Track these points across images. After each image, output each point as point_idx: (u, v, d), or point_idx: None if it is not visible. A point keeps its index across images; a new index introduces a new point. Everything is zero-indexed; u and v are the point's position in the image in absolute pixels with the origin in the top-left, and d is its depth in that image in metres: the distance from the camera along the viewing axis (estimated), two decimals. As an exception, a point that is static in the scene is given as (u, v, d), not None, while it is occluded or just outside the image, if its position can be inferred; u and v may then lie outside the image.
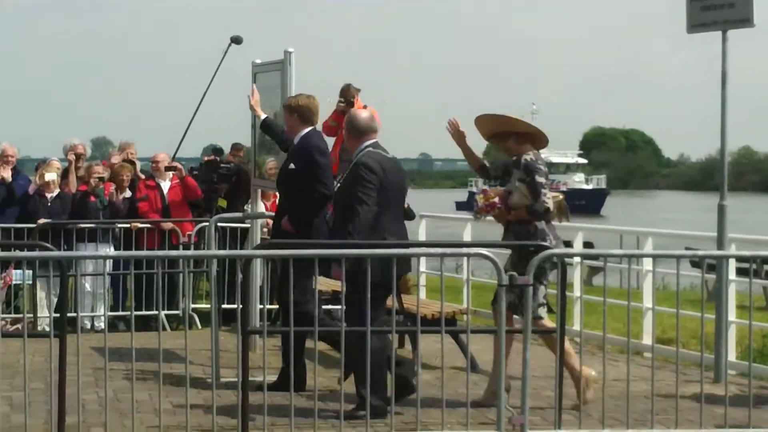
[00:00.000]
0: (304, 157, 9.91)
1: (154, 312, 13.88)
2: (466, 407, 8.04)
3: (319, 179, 9.81)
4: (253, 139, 11.54)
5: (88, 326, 13.84)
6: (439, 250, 8.78)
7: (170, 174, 15.05)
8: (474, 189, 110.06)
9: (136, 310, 12.49)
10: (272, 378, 9.47)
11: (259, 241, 11.23)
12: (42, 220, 14.05)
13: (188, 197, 15.15)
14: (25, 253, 9.01)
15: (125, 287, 14.02)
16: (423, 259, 9.76)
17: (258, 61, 11.33)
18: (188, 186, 15.07)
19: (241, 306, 8.35)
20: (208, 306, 14.16)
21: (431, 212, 17.49)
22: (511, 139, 9.58)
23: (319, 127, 10.24)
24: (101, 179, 14.91)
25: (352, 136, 9.28)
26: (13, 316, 13.86)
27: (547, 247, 8.76)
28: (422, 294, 12.09)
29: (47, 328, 13.11)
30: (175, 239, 14.49)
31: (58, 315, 8.25)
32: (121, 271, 13.77)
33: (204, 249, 12.98)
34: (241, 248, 13.75)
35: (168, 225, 14.61)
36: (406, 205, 15.00)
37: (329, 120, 16.21)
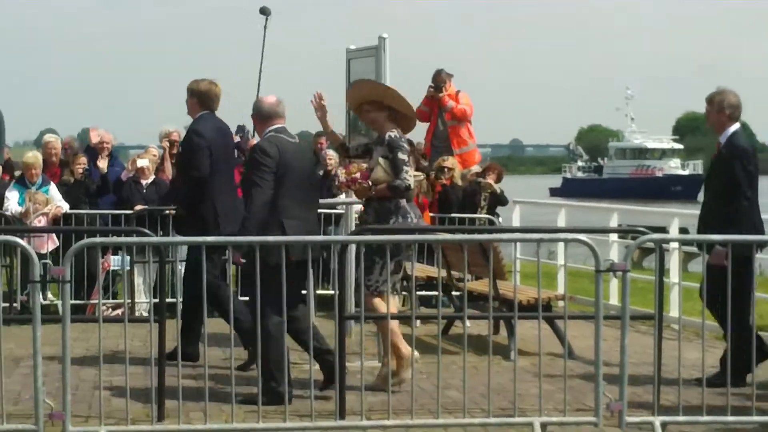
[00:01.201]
0: (186, 139, 10.33)
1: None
2: (564, 393, 8.00)
3: (191, 161, 10.08)
4: (347, 126, 11.54)
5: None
6: (536, 236, 8.72)
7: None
8: (568, 175, 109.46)
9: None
10: (371, 363, 9.50)
11: (353, 227, 11.24)
12: (139, 207, 14.20)
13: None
14: (123, 239, 9.09)
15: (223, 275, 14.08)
16: (518, 245, 9.67)
17: (352, 47, 11.33)
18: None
19: (337, 291, 8.39)
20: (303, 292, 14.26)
21: (524, 198, 17.42)
22: (384, 112, 9.52)
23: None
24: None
25: (258, 121, 9.29)
26: (112, 301, 14.05)
27: (643, 232, 8.70)
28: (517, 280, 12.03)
29: (145, 314, 13.36)
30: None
31: (156, 300, 8.33)
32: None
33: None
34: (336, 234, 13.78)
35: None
36: (498, 191, 15.03)
37: (421, 105, 16.22)
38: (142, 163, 14.87)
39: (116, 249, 13.29)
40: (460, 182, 15.16)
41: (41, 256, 7.70)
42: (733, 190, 9.33)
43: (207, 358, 8.17)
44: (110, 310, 13.75)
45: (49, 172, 14.89)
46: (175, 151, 15.47)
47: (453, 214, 14.64)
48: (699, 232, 9.59)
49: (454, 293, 12.15)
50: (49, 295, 14.06)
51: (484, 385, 8.34)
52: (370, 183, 9.36)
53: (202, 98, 10.34)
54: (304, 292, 9.15)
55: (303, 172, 9.06)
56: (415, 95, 16.23)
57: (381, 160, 9.42)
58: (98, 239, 8.00)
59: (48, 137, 15.47)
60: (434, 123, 16.19)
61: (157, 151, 15.59)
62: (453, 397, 8.65)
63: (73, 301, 10.89)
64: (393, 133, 9.46)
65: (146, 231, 8.87)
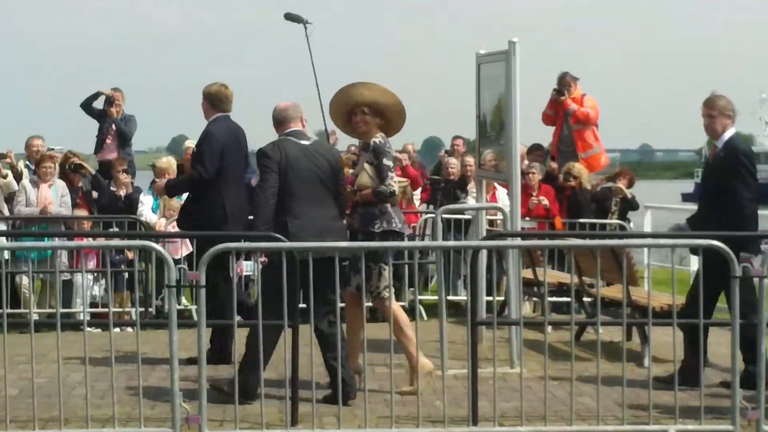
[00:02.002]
0: (199, 140, 10.69)
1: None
2: (700, 401, 7.89)
3: (199, 161, 10.48)
4: (477, 131, 11.53)
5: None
6: (670, 241, 8.61)
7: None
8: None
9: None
10: (503, 369, 9.47)
11: (484, 233, 11.22)
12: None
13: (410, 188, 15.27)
14: (257, 244, 9.18)
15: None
16: (649, 251, 9.56)
17: (482, 51, 11.31)
18: (409, 177, 15.18)
19: (470, 297, 8.37)
20: (432, 297, 14.27)
21: (655, 203, 17.21)
22: (378, 119, 9.54)
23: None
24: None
25: (275, 126, 9.55)
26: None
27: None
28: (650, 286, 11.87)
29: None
30: (400, 231, 14.59)
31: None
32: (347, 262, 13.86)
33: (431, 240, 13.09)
34: (466, 239, 13.76)
35: (393, 217, 14.71)
36: (630, 196, 14.86)
37: (546, 109, 16.15)
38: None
39: (249, 254, 13.44)
40: (588, 186, 15.04)
41: (176, 261, 7.81)
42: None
43: (342, 365, 8.20)
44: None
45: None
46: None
47: (584, 220, 14.53)
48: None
49: (585, 299, 12.04)
50: (183, 300, 14.27)
51: (617, 392, 8.26)
52: (353, 188, 9.49)
53: (211, 100, 10.71)
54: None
55: (311, 172, 9.26)
56: (542, 99, 16.20)
57: (366, 165, 9.50)
58: (232, 244, 8.07)
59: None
60: (560, 127, 16.10)
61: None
62: (586, 403, 8.58)
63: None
64: (378, 138, 9.52)
65: (278, 236, 8.94)
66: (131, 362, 8.30)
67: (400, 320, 9.25)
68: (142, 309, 12.30)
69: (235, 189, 10.50)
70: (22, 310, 13.07)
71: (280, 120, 9.50)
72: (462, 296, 14.14)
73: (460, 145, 17.97)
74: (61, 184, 14.40)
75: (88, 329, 8.50)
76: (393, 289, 9.25)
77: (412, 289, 14.23)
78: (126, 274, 13.92)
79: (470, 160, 14.95)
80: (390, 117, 9.61)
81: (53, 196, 14.16)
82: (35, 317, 8.92)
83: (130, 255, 13.42)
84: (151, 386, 9.11)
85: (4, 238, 11.71)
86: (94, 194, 14.83)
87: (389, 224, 9.38)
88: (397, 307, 9.46)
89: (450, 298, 13.44)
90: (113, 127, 15.95)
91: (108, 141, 16.00)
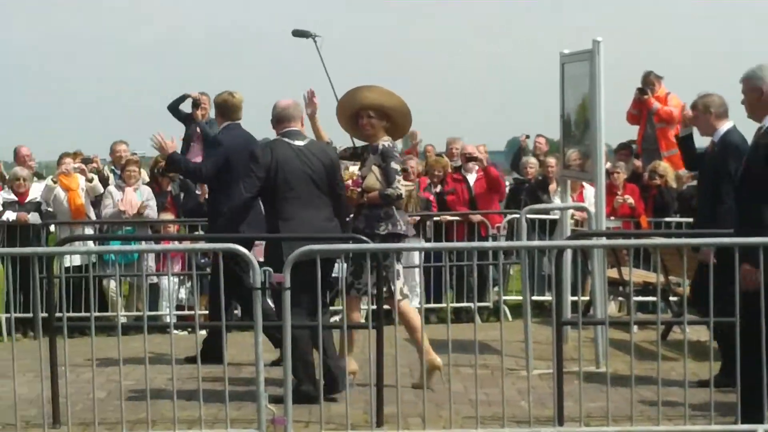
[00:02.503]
0: (206, 146, 11.37)
1: (466, 304, 14.05)
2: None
3: (204, 161, 11.10)
4: (561, 131, 11.46)
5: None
6: (758, 240, 8.43)
7: (476, 167, 15.17)
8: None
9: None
10: (589, 369, 9.40)
11: (569, 232, 11.16)
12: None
13: (492, 189, 15.24)
14: (341, 246, 9.19)
15: (437, 280, 14.10)
16: (737, 250, 9.35)
17: (566, 51, 11.24)
18: (491, 177, 15.14)
19: (555, 297, 8.32)
20: (517, 298, 14.22)
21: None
22: (384, 122, 9.63)
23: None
24: (404, 170, 15.18)
25: (273, 125, 9.59)
26: (331, 308, 14.23)
27: None
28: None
29: (361, 320, 13.49)
30: (483, 231, 14.57)
31: (374, 307, 8.41)
32: (432, 263, 13.87)
33: (515, 240, 13.04)
34: (551, 239, 13.70)
35: (477, 217, 14.70)
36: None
37: (630, 108, 16.04)
38: (354, 170, 15.08)
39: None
40: (674, 185, 14.90)
41: (260, 264, 7.84)
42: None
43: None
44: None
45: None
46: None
47: (669, 219, 14.40)
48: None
49: (671, 298, 11.93)
50: (269, 302, 14.34)
51: (705, 391, 8.17)
52: (359, 190, 9.61)
53: (220, 109, 11.07)
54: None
55: (303, 173, 9.28)
56: (627, 98, 16.09)
57: (375, 168, 9.60)
58: (316, 246, 8.09)
59: None
60: (644, 126, 15.99)
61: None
62: (673, 403, 8.49)
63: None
64: (386, 142, 9.64)
65: (363, 238, 8.96)
66: (217, 364, 8.35)
67: (413, 322, 9.34)
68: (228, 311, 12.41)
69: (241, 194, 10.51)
70: (109, 314, 13.23)
71: (279, 118, 9.54)
72: (547, 296, 14.08)
73: (542, 143, 17.93)
74: (146, 189, 14.56)
75: (175, 332, 8.56)
76: (404, 291, 9.57)
77: (496, 288, 14.23)
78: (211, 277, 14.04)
79: (552, 160, 14.88)
80: (396, 119, 9.70)
81: (138, 200, 14.31)
82: (122, 320, 9.03)
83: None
84: (237, 388, 9.16)
85: (91, 242, 11.84)
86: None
87: (394, 227, 9.54)
88: (410, 309, 9.65)
89: (534, 298, 13.39)
90: (198, 130, 16.08)
91: (193, 144, 16.13)
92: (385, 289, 9.17)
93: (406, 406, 8.02)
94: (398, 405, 7.69)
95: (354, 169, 10.28)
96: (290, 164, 9.26)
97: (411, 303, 14.44)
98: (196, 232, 13.46)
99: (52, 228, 14.45)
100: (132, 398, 8.29)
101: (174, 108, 16.35)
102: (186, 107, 16.23)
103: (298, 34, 18.40)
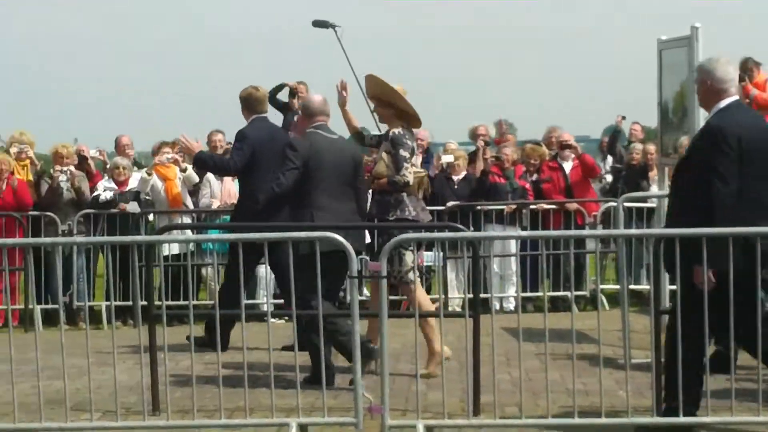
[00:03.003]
0: (235, 139, 11.47)
1: (563, 293, 13.97)
2: None
3: (231, 155, 11.49)
4: (659, 118, 11.33)
5: (497, 307, 14.02)
6: None
7: (572, 155, 15.08)
8: None
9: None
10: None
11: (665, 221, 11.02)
12: (451, 203, 14.37)
13: (587, 176, 15.14)
14: (437, 234, 9.21)
15: (534, 268, 14.03)
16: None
17: (663, 37, 11.11)
18: (587, 165, 15.04)
19: (653, 287, 8.23)
20: (614, 287, 14.11)
21: None
22: (390, 109, 9.88)
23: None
24: (497, 158, 15.14)
25: (304, 117, 9.97)
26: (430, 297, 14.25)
27: None
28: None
29: (457, 308, 13.49)
30: (580, 219, 14.47)
31: (471, 296, 8.39)
32: (528, 252, 13.80)
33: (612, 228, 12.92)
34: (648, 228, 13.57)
35: (573, 205, 14.61)
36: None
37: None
38: (446, 159, 15.07)
39: (429, 245, 13.48)
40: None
41: (357, 252, 7.86)
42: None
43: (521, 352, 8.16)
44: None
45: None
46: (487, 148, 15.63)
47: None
48: None
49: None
50: (365, 291, 14.38)
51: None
52: (368, 175, 9.97)
53: (245, 104, 11.46)
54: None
55: (337, 166, 9.60)
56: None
57: (384, 155, 9.80)
58: (412, 235, 8.09)
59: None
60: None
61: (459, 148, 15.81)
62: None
63: (389, 297, 11.12)
64: (398, 130, 9.82)
65: (459, 226, 8.96)
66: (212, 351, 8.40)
67: (424, 306, 9.43)
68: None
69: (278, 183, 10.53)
70: (207, 302, 13.36)
71: (312, 112, 9.86)
72: (644, 285, 13.95)
73: (638, 131, 17.80)
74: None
75: (272, 320, 8.61)
76: (417, 275, 9.79)
77: (593, 278, 14.14)
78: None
79: (651, 147, 14.74)
80: (399, 106, 9.85)
81: (237, 190, 14.41)
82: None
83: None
84: (336, 376, 9.21)
85: (189, 231, 11.97)
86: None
87: (402, 213, 9.72)
88: (422, 294, 9.81)
89: (632, 287, 13.27)
90: (296, 119, 16.14)
91: (291, 133, 16.19)
92: (395, 275, 9.50)
93: (502, 395, 7.99)
94: (495, 394, 7.66)
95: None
96: (326, 156, 9.57)
97: (507, 291, 14.53)
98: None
99: (150, 217, 14.62)
100: (230, 386, 8.35)
101: (272, 97, 16.42)
102: (284, 96, 16.30)
103: (318, 24, 18.37)
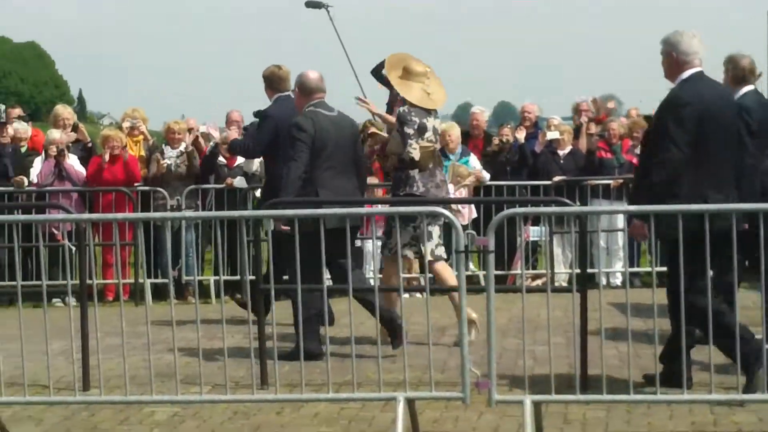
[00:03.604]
0: (259, 120, 11.63)
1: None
2: None
3: (245, 138, 12.16)
4: (767, 85, 11.15)
5: (604, 282, 13.92)
6: None
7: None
8: None
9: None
10: None
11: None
12: (557, 177, 14.29)
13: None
14: (544, 209, 9.15)
15: (638, 243, 13.88)
16: None
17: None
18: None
19: (763, 262, 8.08)
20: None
21: None
22: (394, 89, 10.51)
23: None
24: (601, 136, 15.02)
25: (302, 95, 10.05)
26: (532, 272, 14.21)
27: None
28: None
29: (564, 284, 13.42)
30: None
31: (578, 271, 8.34)
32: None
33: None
34: None
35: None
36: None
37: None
38: (552, 135, 14.97)
39: (536, 219, 13.43)
40: None
41: (463, 227, 7.83)
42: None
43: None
44: (530, 280, 13.90)
45: (471, 143, 15.22)
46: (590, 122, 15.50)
47: None
48: None
49: None
50: (471, 266, 14.38)
51: None
52: (380, 154, 10.67)
53: (268, 82, 11.53)
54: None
55: (339, 144, 9.81)
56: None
57: (395, 133, 10.21)
58: (519, 209, 8.05)
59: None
60: None
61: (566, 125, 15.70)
62: None
63: (496, 272, 11.09)
64: (404, 108, 10.24)
65: (566, 201, 8.89)
66: (420, 327, 8.41)
67: (449, 282, 9.84)
68: (431, 275, 12.45)
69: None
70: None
71: (310, 90, 10.01)
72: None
73: None
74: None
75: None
76: (436, 252, 10.15)
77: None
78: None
79: None
80: (394, 83, 10.61)
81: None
82: (328, 283, 9.17)
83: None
84: (440, 351, 9.23)
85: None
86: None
87: (410, 188, 10.07)
88: (445, 269, 10.19)
89: (743, 262, 13.06)
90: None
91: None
92: (415, 250, 9.96)
93: (610, 371, 7.92)
94: (603, 369, 7.60)
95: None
96: (329, 134, 9.78)
97: (613, 266, 14.39)
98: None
99: (257, 192, 14.73)
100: (338, 360, 8.40)
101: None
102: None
103: (311, 5, 18.23)
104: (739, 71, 9.82)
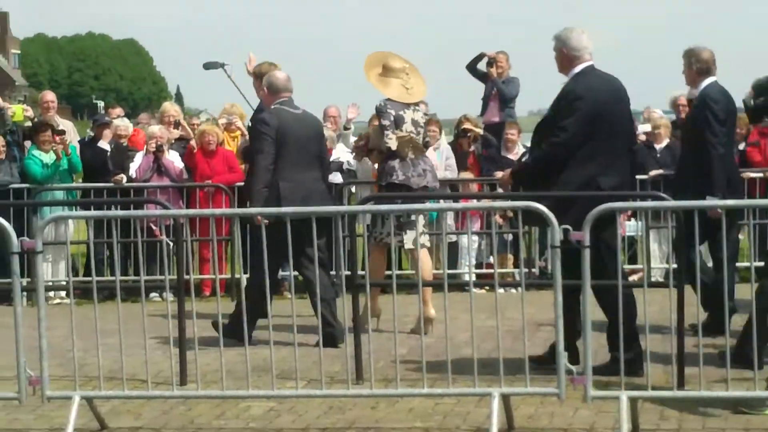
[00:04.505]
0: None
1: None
2: None
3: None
4: None
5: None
6: None
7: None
8: None
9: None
10: None
11: None
12: (653, 172, 14.15)
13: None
14: (640, 204, 9.07)
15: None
16: None
17: None
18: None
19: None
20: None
21: None
22: (374, 85, 10.88)
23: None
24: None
25: (270, 94, 10.68)
26: (629, 266, 14.08)
27: None
28: None
29: (660, 279, 13.28)
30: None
31: (675, 266, 8.25)
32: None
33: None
34: None
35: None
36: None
37: None
38: (643, 128, 14.88)
39: (632, 214, 13.31)
40: None
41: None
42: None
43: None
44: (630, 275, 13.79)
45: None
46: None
47: None
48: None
49: None
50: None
51: None
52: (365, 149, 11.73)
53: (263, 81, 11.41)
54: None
55: (301, 139, 10.40)
56: None
57: (374, 127, 11.06)
58: (616, 204, 7.95)
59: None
60: None
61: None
62: None
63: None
64: (380, 102, 10.83)
65: (663, 195, 8.80)
66: (516, 323, 8.35)
67: (424, 273, 9.80)
68: (526, 270, 12.40)
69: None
70: (408, 271, 13.44)
71: (276, 89, 10.63)
72: None
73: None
74: (446, 148, 14.70)
75: (474, 290, 8.61)
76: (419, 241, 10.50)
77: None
78: (509, 236, 14.09)
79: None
80: (372, 80, 10.92)
81: (438, 160, 14.47)
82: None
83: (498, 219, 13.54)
84: (535, 347, 9.18)
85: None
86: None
87: (390, 178, 10.64)
88: (426, 260, 10.62)
89: None
90: (495, 89, 16.10)
91: (491, 103, 16.17)
92: (399, 239, 10.51)
93: (707, 369, 7.82)
94: (700, 365, 7.51)
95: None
96: (292, 130, 10.35)
97: (710, 261, 14.20)
98: (497, 190, 13.51)
99: (353, 188, 14.78)
100: (433, 355, 8.40)
101: (472, 67, 16.43)
102: (483, 66, 16.29)
103: (208, 66, 17.81)
104: (702, 64, 10.12)
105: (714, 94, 9.99)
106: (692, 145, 10.08)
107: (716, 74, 10.19)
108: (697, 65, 10.11)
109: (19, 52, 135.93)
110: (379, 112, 10.84)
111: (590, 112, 8.55)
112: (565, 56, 8.89)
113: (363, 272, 8.66)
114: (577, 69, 8.80)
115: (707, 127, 9.79)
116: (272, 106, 10.60)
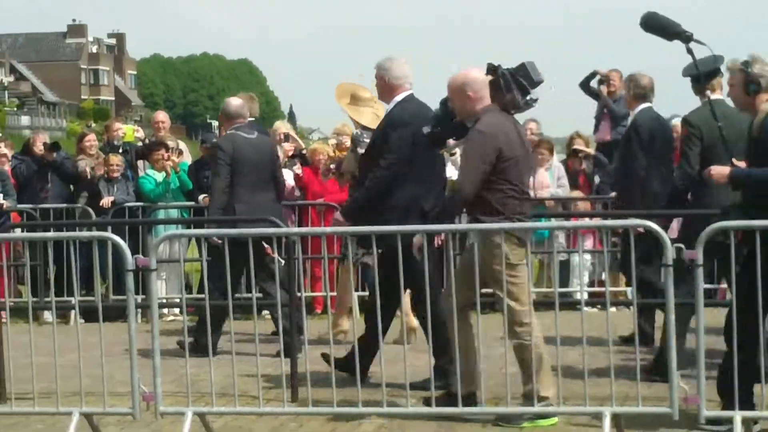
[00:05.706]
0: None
1: None
2: None
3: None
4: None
5: None
6: None
7: None
8: None
9: None
10: None
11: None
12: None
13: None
14: (754, 222, 8.90)
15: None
16: None
17: None
18: None
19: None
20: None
21: None
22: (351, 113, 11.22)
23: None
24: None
25: (225, 119, 11.47)
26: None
27: None
28: None
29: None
30: None
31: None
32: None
33: None
34: None
35: None
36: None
37: None
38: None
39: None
40: None
41: (672, 241, 7.69)
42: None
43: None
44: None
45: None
46: None
47: None
48: None
49: None
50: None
51: None
52: (336, 171, 12.70)
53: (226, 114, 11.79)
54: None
55: (256, 162, 11.02)
56: None
57: (350, 153, 11.55)
58: (732, 222, 7.76)
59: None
60: None
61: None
62: None
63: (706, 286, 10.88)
64: (357, 131, 11.31)
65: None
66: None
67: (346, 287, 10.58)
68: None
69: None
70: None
71: (230, 115, 11.31)
72: None
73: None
74: (557, 166, 14.66)
75: (586, 309, 8.56)
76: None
77: None
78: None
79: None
80: (344, 108, 11.17)
81: (550, 179, 14.45)
82: (533, 297, 9.17)
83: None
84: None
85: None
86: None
87: None
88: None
89: None
90: (605, 108, 15.98)
91: (603, 122, 16.05)
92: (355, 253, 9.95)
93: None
94: (763, 385, 7.37)
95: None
96: (246, 154, 10.97)
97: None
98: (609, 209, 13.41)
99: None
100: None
101: (585, 85, 16.32)
102: (596, 84, 16.17)
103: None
104: (640, 90, 10.55)
105: (641, 119, 10.41)
106: (623, 163, 10.62)
107: (653, 100, 10.60)
108: (634, 90, 10.56)
109: (135, 72, 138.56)
110: (356, 141, 11.24)
111: (411, 139, 8.96)
112: (387, 85, 9.33)
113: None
114: (399, 97, 9.26)
115: (630, 149, 10.32)
116: (227, 132, 11.24)
